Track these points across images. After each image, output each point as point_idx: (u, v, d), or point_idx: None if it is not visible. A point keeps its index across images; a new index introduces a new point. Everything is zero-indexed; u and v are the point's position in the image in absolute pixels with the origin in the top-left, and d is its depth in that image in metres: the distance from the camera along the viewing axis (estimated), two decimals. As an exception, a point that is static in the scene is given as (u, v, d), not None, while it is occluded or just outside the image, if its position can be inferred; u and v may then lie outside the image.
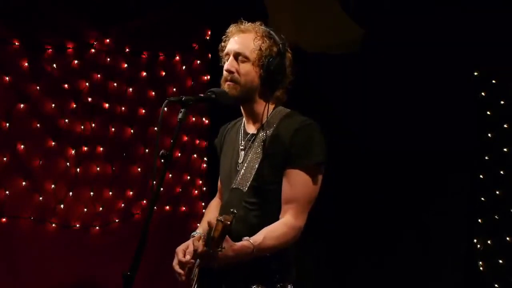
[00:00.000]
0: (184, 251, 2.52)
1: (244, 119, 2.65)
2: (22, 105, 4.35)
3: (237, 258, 2.29)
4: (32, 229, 4.38)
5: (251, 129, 2.60)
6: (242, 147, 2.59)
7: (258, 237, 2.34)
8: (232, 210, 2.13)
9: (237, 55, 2.52)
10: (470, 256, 4.48)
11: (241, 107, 2.62)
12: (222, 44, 2.63)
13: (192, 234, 2.65)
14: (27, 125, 4.38)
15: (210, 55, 5.18)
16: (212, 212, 2.83)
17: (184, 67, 5.09)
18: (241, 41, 2.52)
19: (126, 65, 4.79)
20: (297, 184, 2.43)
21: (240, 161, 2.57)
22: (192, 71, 5.13)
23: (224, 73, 2.53)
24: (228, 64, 2.52)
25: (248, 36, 2.52)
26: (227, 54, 2.56)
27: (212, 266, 2.29)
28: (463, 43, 4.30)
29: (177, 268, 2.51)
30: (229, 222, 2.12)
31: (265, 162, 2.47)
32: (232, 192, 2.54)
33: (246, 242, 2.31)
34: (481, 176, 4.52)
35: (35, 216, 4.39)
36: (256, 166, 2.48)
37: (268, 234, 2.36)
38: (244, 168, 2.52)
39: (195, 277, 2.52)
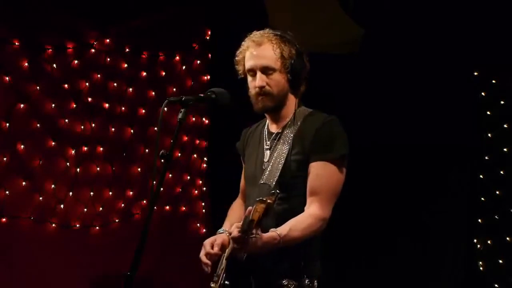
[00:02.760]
0: (212, 244, 2.62)
1: (267, 121, 2.76)
2: (22, 105, 4.35)
3: (264, 248, 2.36)
4: (32, 229, 4.38)
5: (276, 128, 2.70)
6: (267, 147, 2.70)
7: (284, 228, 2.41)
8: (274, 191, 2.26)
9: (264, 69, 2.61)
10: (470, 256, 4.48)
11: (269, 114, 2.72)
12: (239, 58, 2.71)
13: (218, 231, 2.75)
14: (27, 125, 4.38)
15: (210, 55, 5.18)
16: (235, 211, 2.92)
17: (184, 67, 5.09)
18: (263, 55, 2.61)
19: (126, 65, 4.79)
20: (322, 176, 2.53)
21: (266, 159, 2.67)
22: (192, 71, 5.13)
23: (255, 89, 2.63)
24: (259, 80, 2.60)
25: (266, 48, 2.61)
26: (251, 70, 2.64)
27: (242, 253, 2.38)
28: (463, 43, 4.31)
29: (204, 258, 2.60)
30: (271, 201, 2.22)
31: (291, 158, 2.57)
32: (260, 188, 2.60)
33: (273, 233, 2.38)
34: (481, 176, 4.52)
35: (35, 216, 4.38)
36: (283, 161, 2.58)
37: (294, 226, 2.43)
38: (271, 165, 2.61)
39: (223, 269, 2.58)
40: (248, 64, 2.65)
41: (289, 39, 2.65)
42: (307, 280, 2.53)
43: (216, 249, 2.60)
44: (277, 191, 2.27)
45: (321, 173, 2.53)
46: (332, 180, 2.55)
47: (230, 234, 2.38)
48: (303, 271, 2.54)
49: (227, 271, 2.57)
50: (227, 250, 2.63)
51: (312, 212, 2.50)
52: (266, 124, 2.77)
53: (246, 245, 2.28)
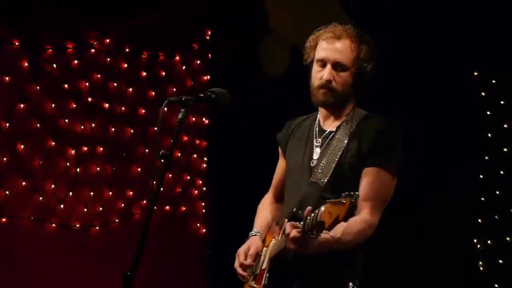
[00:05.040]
0: (246, 253, 2.60)
1: (319, 116, 2.68)
2: (22, 105, 4.35)
3: (318, 249, 2.31)
4: (32, 229, 4.38)
5: (329, 126, 2.63)
6: (318, 144, 2.61)
7: (338, 231, 2.31)
8: (352, 192, 2.11)
9: (336, 65, 2.53)
10: (470, 256, 4.48)
11: (325, 109, 2.64)
12: (311, 44, 2.63)
13: (250, 233, 2.71)
14: (27, 125, 4.38)
15: (210, 55, 5.18)
16: (267, 209, 2.85)
17: (184, 67, 5.09)
18: (340, 50, 2.53)
19: (126, 65, 4.79)
20: (377, 182, 2.48)
21: (315, 157, 2.58)
22: (192, 71, 5.13)
23: (320, 81, 2.55)
24: (328, 73, 2.52)
25: (345, 44, 2.54)
26: (322, 60, 2.56)
27: (292, 252, 2.35)
28: (463, 43, 4.30)
29: (240, 270, 2.59)
30: (354, 202, 2.10)
31: (345, 159, 2.50)
32: (310, 186, 2.54)
33: (327, 235, 2.30)
34: (481, 176, 4.52)
35: (35, 216, 4.38)
36: (336, 161, 2.51)
37: (347, 230, 2.34)
38: (322, 163, 2.53)
39: (266, 269, 2.54)
40: (321, 54, 2.55)
41: (369, 42, 2.59)
42: (351, 284, 2.50)
43: (249, 260, 2.57)
44: (357, 193, 2.12)
45: (377, 180, 2.48)
46: (386, 188, 2.51)
47: (287, 234, 2.30)
48: (347, 277, 2.50)
49: (270, 271, 2.52)
50: (268, 249, 2.59)
51: (364, 218, 2.45)
52: (317, 119, 2.68)
53: (305, 245, 2.25)
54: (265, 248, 2.64)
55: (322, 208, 2.14)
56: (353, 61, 2.53)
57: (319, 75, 2.55)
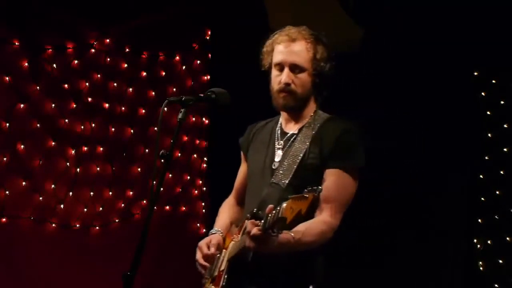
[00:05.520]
0: (208, 245, 2.59)
1: (281, 119, 2.68)
2: (22, 105, 4.35)
3: (278, 249, 2.30)
4: (32, 229, 4.38)
5: (291, 129, 2.63)
6: (280, 146, 2.61)
7: (298, 232, 2.33)
8: (315, 187, 2.12)
9: (293, 67, 2.54)
10: (470, 256, 4.48)
11: (287, 112, 2.64)
12: (267, 49, 2.63)
13: (210, 231, 2.71)
14: (27, 125, 4.38)
15: (210, 55, 5.18)
16: (226, 211, 2.86)
17: (184, 67, 5.09)
18: (295, 52, 2.54)
19: (126, 65, 4.79)
20: (338, 184, 2.47)
21: (277, 159, 2.58)
22: (192, 71, 5.13)
23: (279, 84, 2.55)
24: (286, 77, 2.53)
25: (300, 45, 2.54)
26: (280, 64, 2.56)
27: (252, 252, 2.33)
28: (463, 43, 4.30)
29: (202, 261, 2.58)
30: (317, 194, 2.11)
31: (307, 160, 2.50)
32: (271, 188, 2.53)
33: (288, 235, 2.30)
34: (481, 176, 4.51)
35: (35, 216, 4.38)
36: (298, 163, 2.50)
37: (307, 231, 2.37)
38: (283, 165, 2.53)
39: (225, 271, 2.52)
40: (278, 57, 2.56)
41: (324, 42, 2.58)
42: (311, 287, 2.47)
43: (212, 250, 2.57)
44: (320, 187, 2.13)
45: (338, 181, 2.47)
46: (347, 189, 2.50)
47: (248, 231, 2.28)
48: (307, 280, 2.48)
49: (229, 272, 2.51)
50: (227, 250, 2.59)
51: (326, 220, 2.45)
52: (279, 122, 2.68)
53: (265, 244, 2.24)
54: (224, 250, 2.62)
55: (284, 205, 2.13)
56: (310, 62, 2.53)
57: (277, 79, 2.56)
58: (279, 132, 2.66)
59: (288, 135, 2.61)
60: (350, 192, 2.52)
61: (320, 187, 2.13)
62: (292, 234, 2.31)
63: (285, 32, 2.58)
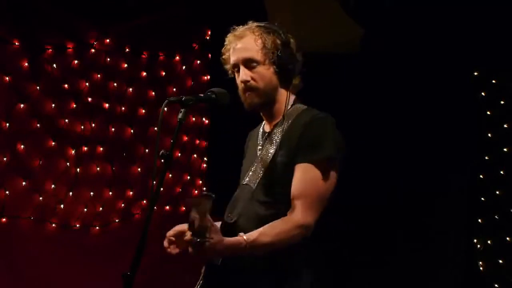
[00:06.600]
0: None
1: (264, 120, 2.61)
2: (22, 105, 4.35)
3: (227, 253, 2.21)
4: (32, 229, 4.38)
5: (268, 128, 2.56)
6: (260, 147, 2.54)
7: (253, 233, 2.24)
8: (207, 193, 2.06)
9: (246, 62, 2.45)
10: (470, 256, 4.48)
11: (261, 112, 2.57)
12: (225, 56, 2.59)
13: None
14: (27, 125, 4.38)
15: (210, 55, 5.19)
16: None
17: (184, 67, 5.09)
18: (244, 47, 2.46)
19: (126, 65, 4.79)
20: (306, 179, 2.32)
21: (255, 162, 2.52)
22: (192, 71, 5.14)
23: (241, 85, 2.48)
24: (242, 74, 2.46)
25: (248, 40, 2.45)
26: (235, 65, 2.50)
27: (202, 257, 2.27)
28: (463, 43, 4.30)
29: (165, 243, 2.63)
30: (206, 198, 2.05)
31: (277, 158, 2.41)
32: (242, 188, 2.49)
33: (239, 237, 2.22)
34: (481, 176, 4.52)
35: (35, 216, 4.38)
36: (268, 162, 2.42)
37: (266, 231, 2.25)
38: (255, 165, 2.47)
39: (201, 277, 2.50)
40: (232, 59, 2.51)
41: (275, 29, 2.46)
42: None
43: (171, 232, 2.62)
44: (212, 195, 2.04)
45: (306, 176, 2.32)
46: (317, 184, 2.32)
47: (186, 239, 2.19)
48: (288, 285, 2.33)
49: (205, 278, 2.46)
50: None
51: (291, 218, 2.29)
52: (263, 124, 2.63)
53: (205, 251, 2.11)
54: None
55: (195, 211, 2.06)
56: (261, 52, 2.42)
57: (238, 80, 2.50)
58: (261, 133, 2.60)
59: (266, 134, 2.54)
60: (321, 187, 2.33)
61: (212, 195, 2.05)
62: (245, 236, 2.21)
63: (232, 33, 2.52)
